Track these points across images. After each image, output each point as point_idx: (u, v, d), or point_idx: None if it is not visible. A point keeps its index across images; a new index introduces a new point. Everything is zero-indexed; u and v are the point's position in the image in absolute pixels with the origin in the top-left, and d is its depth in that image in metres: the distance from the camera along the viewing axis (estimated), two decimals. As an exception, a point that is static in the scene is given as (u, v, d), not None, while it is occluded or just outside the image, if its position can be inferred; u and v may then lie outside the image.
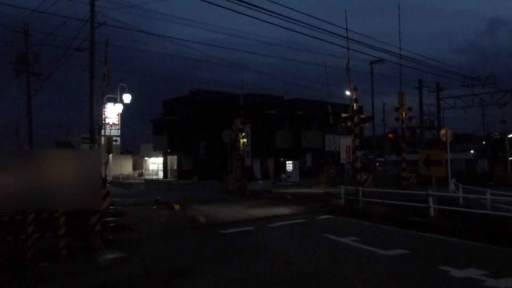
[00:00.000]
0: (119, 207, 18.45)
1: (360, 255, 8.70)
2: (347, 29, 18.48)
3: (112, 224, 13.47)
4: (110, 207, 15.59)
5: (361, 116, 17.66)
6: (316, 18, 16.48)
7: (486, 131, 49.31)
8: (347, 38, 18.61)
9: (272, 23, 15.68)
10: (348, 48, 18.47)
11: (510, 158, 32.81)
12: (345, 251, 9.10)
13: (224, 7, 13.94)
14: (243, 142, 27.78)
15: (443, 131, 18.83)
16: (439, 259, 8.00)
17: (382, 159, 47.86)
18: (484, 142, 54.64)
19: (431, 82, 40.54)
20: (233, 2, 13.38)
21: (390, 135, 19.01)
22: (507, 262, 7.97)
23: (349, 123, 17.22)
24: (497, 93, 38.08)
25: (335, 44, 19.31)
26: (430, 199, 12.11)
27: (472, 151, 61.64)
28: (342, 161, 21.87)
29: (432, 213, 12.04)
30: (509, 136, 36.77)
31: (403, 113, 18.17)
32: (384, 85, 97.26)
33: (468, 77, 36.66)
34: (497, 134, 50.78)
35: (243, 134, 28.23)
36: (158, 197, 22.23)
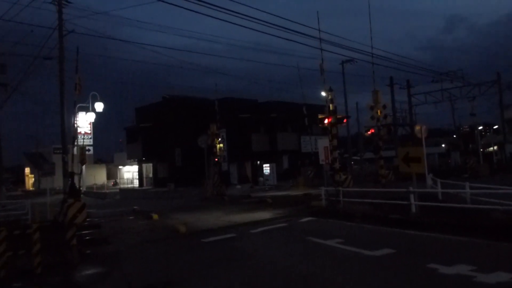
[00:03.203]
0: (95, 219, 17.91)
1: (347, 257, 8.59)
2: (319, 30, 18.49)
3: (88, 238, 13.01)
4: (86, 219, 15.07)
5: (338, 116, 17.65)
6: (286, 19, 16.41)
7: (456, 125, 50.45)
8: (320, 38, 18.60)
9: (242, 26, 15.54)
10: (321, 49, 18.45)
11: (482, 150, 33.58)
12: (331, 254, 8.97)
13: (192, 10, 13.75)
14: (220, 147, 27.49)
15: (418, 127, 18.97)
16: (426, 256, 7.95)
17: (357, 158, 48.37)
18: (455, 136, 55.86)
19: (401, 79, 41.32)
20: (202, 5, 13.17)
21: (368, 133, 19.10)
22: (493, 255, 7.98)
23: (325, 124, 17.17)
24: (465, 87, 39.02)
25: (306, 45, 19.25)
26: (411, 196, 12.13)
27: (443, 145, 63.01)
28: (321, 162, 21.87)
29: (413, 210, 12.07)
30: (479, 128, 37.68)
31: (378, 111, 18.29)
32: (354, 84, 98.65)
33: (437, 73, 37.46)
34: (466, 127, 52.03)
35: (219, 139, 27.92)
36: (135, 207, 21.73)
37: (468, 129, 47.66)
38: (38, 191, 45.16)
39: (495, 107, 41.82)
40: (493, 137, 49.94)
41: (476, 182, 14.77)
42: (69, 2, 18.61)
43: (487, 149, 46.59)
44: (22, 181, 64.04)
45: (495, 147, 45.96)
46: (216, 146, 26.96)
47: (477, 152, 32.74)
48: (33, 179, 60.61)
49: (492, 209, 10.93)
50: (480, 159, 31.56)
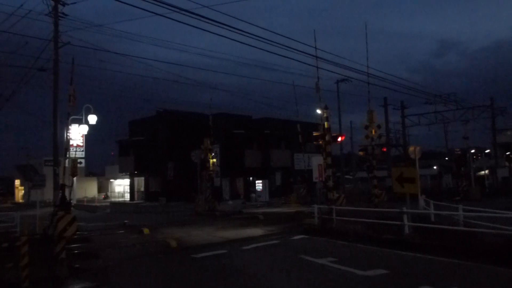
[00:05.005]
0: (85, 232, 17.68)
1: (339, 276, 8.51)
2: (316, 48, 18.64)
3: (77, 251, 12.80)
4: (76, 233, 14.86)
5: (332, 134, 17.70)
6: (283, 36, 16.50)
7: (448, 147, 50.67)
8: (316, 56, 18.74)
9: (239, 41, 15.61)
10: (317, 67, 18.59)
11: (473, 173, 33.72)
12: (324, 273, 8.88)
13: (189, 25, 13.79)
14: (213, 162, 27.38)
15: (411, 148, 19.03)
16: (419, 278, 7.90)
17: (350, 177, 48.39)
18: (447, 158, 56.05)
19: (395, 100, 41.63)
20: (199, 20, 13.22)
21: (361, 153, 19.14)
22: (486, 279, 7.95)
23: (320, 142, 17.21)
24: (459, 110, 39.38)
25: (302, 62, 19.38)
26: (405, 217, 12.09)
27: (435, 167, 63.20)
28: (314, 180, 21.86)
29: (407, 230, 12.01)
30: (471, 151, 37.91)
31: (373, 130, 18.37)
32: (348, 104, 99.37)
33: (430, 95, 37.81)
34: (458, 150, 52.19)
35: (213, 154, 27.84)
36: (125, 221, 21.50)
37: (460, 152, 47.83)
38: (28, 204, 44.64)
39: (487, 131, 42.25)
40: (485, 161, 50.18)
41: (468, 205, 14.76)
42: (66, 15, 18.62)
43: (479, 173, 46.79)
44: (12, 193, 63.31)
45: (487, 171, 46.18)
46: (209, 161, 26.87)
47: (469, 175, 32.86)
48: (23, 191, 59.97)
49: (485, 232, 10.92)
50: (472, 182, 31.68)
